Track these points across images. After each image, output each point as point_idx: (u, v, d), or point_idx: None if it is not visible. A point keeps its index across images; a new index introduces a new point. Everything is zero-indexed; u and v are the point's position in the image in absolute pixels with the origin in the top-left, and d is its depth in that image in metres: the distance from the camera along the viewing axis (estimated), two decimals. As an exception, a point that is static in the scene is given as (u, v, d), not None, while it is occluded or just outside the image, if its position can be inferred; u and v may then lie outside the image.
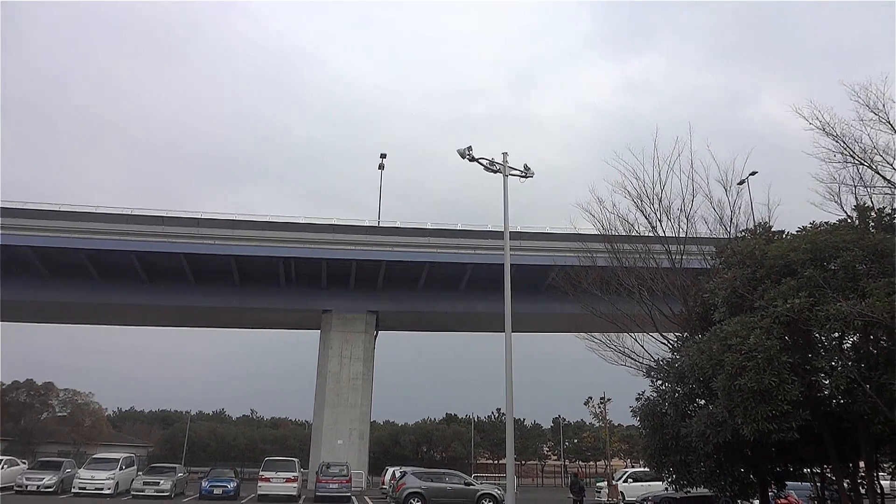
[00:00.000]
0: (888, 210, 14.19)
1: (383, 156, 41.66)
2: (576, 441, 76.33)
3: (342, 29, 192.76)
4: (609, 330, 19.19)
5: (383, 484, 34.09)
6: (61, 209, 36.01)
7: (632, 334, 18.44)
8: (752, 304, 12.89)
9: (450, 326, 47.65)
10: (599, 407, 64.93)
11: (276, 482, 26.61)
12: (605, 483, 33.15)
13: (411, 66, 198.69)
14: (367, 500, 30.63)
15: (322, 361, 40.05)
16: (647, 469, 24.02)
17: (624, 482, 30.51)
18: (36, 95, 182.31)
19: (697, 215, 18.51)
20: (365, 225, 38.92)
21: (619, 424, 71.95)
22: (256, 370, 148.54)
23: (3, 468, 27.84)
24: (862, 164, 14.26)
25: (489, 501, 25.07)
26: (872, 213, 14.20)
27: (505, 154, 17.97)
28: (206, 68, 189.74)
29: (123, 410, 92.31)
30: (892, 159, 13.93)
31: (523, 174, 18.14)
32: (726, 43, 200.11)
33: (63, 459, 30.61)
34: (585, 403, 70.08)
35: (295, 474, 27.42)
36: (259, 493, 26.60)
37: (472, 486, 26.07)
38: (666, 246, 18.60)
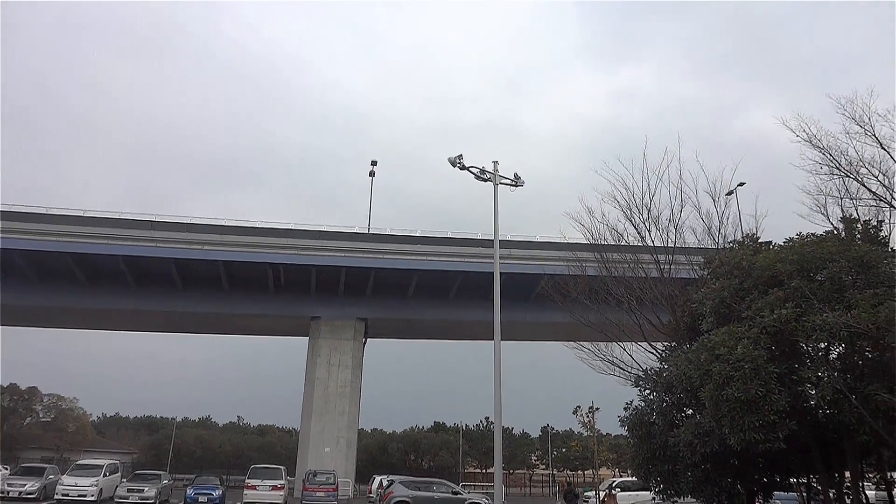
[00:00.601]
0: (874, 222, 14.38)
1: (374, 163, 41.47)
2: (564, 450, 76.39)
3: (333, 36, 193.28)
4: (598, 339, 19.26)
5: (370, 493, 33.89)
6: (49, 212, 35.63)
7: (620, 344, 18.53)
8: (739, 314, 12.98)
9: (439, 334, 47.57)
10: (588, 416, 65.06)
11: (263, 490, 26.47)
12: (593, 493, 33.08)
13: (402, 72, 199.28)
14: (354, 508, 30.45)
15: (310, 368, 39.79)
16: (634, 479, 24.02)
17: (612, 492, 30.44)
18: (25, 99, 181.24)
19: (686, 226, 18.74)
20: (354, 232, 38.75)
21: (607, 434, 72.19)
22: (244, 377, 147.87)
23: (-16, 474, 27.42)
24: (848, 176, 14.45)
25: (477, 510, 25.00)
26: (858, 225, 14.40)
27: (495, 163, 17.88)
28: (197, 74, 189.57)
29: (108, 416, 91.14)
30: (877, 172, 14.14)
31: (513, 183, 18.08)
32: (714, 54, 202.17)
33: (46, 465, 30.14)
34: (574, 413, 70.30)
35: (281, 482, 27.35)
36: (245, 500, 26.43)
37: (459, 495, 25.99)
38: (655, 256, 18.72)
